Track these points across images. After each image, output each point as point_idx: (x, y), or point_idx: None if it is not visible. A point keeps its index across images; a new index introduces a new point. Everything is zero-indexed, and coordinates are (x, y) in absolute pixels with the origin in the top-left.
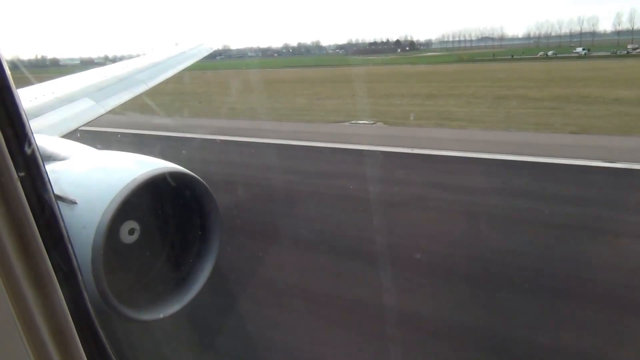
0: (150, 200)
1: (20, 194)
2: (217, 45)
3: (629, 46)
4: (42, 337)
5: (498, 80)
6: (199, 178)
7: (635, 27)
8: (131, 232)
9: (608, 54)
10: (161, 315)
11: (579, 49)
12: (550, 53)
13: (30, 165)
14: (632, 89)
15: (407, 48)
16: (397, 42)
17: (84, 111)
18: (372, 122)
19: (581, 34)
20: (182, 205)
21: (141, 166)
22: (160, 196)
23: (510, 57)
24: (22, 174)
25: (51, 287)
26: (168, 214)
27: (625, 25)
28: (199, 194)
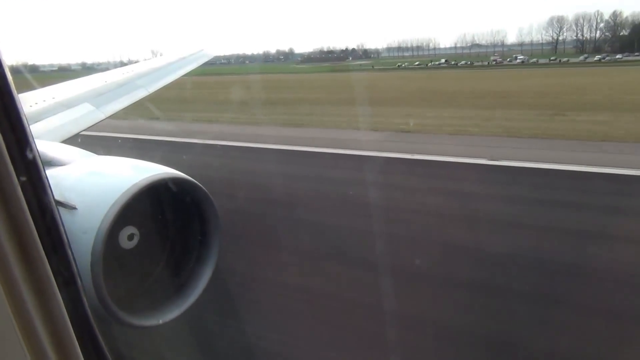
0: (150, 205)
1: (20, 198)
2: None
3: (492, 57)
4: (41, 342)
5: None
6: (199, 183)
7: (534, 40)
8: (131, 237)
9: (449, 65)
10: (160, 321)
11: (442, 60)
12: (407, 64)
13: (31, 170)
14: (314, 93)
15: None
16: (353, 50)
17: (84, 116)
18: None
19: (494, 45)
20: (182, 211)
21: (141, 172)
22: (160, 201)
23: (371, 67)
24: (22, 178)
25: (50, 291)
26: (168, 219)
27: (526, 38)
28: (199, 200)
